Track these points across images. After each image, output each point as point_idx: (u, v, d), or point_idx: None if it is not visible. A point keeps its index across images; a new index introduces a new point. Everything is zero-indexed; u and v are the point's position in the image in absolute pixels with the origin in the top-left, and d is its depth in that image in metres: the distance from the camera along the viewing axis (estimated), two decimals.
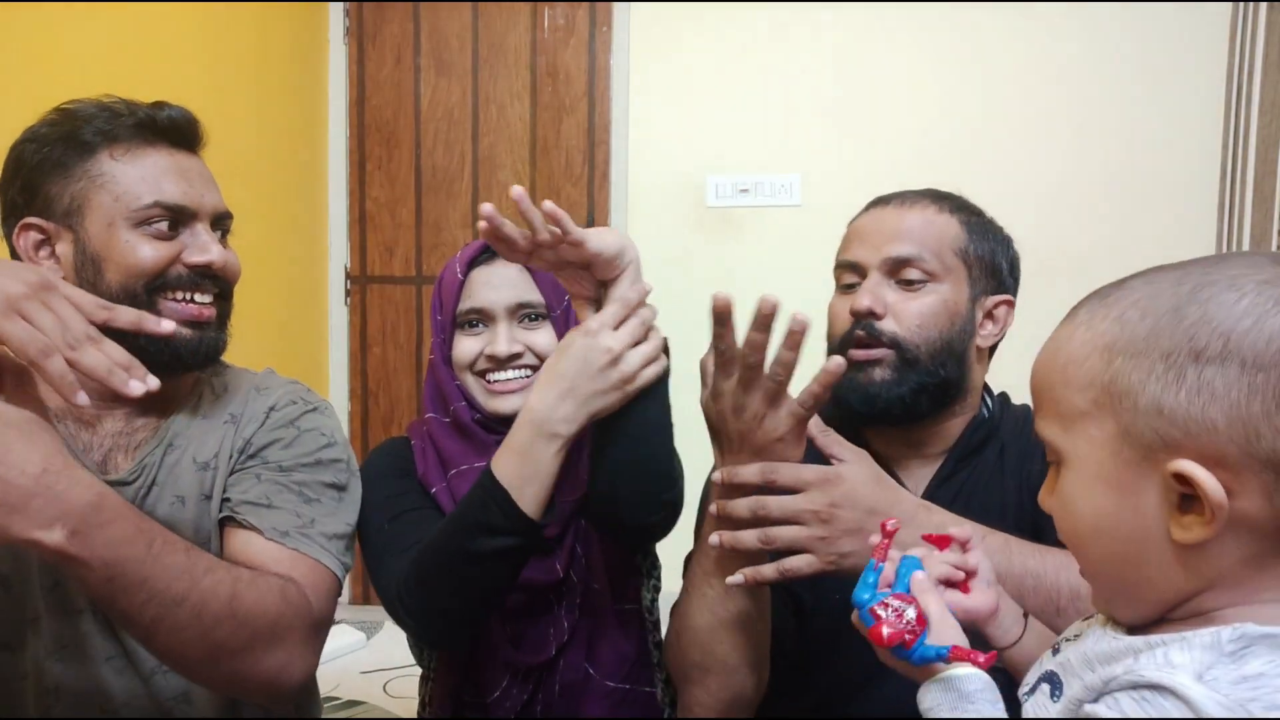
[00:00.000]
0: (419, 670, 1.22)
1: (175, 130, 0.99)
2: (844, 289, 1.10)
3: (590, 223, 3.01)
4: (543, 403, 0.97)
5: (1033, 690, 0.63)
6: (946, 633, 0.68)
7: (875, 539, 0.76)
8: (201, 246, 0.99)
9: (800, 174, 2.87)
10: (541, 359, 1.12)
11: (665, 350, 1.01)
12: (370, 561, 1.07)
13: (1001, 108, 2.77)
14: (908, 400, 1.03)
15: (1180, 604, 0.56)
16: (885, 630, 0.68)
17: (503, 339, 1.11)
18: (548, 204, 0.92)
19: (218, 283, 1.01)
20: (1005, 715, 0.64)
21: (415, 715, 1.23)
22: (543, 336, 1.13)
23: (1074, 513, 0.59)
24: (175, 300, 0.98)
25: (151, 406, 1.02)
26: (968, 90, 2.78)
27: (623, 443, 1.00)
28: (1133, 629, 0.60)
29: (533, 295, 1.12)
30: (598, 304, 1.01)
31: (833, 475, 0.91)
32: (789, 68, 2.87)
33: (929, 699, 0.65)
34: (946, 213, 1.09)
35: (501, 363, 1.11)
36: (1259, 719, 0.49)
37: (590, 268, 0.98)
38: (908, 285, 1.05)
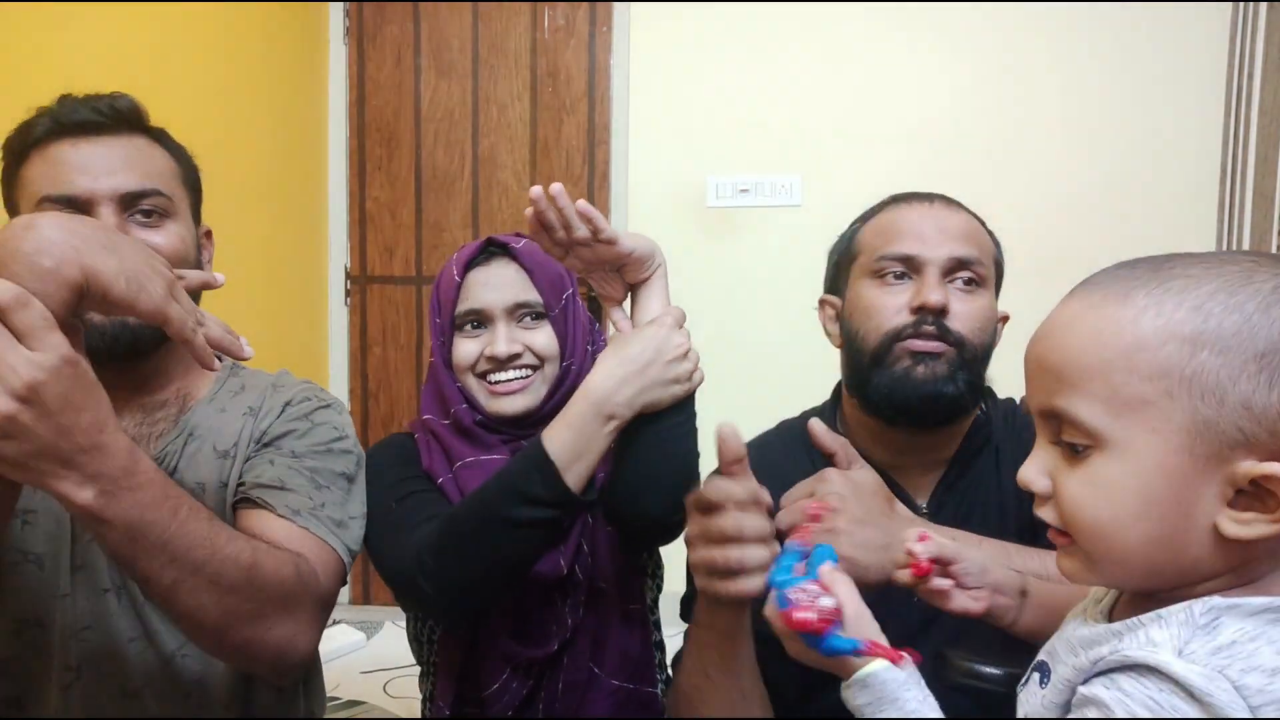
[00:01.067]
0: (419, 670, 1.22)
1: (79, 121, 0.98)
2: (887, 280, 1.05)
3: None
4: (606, 383, 0.99)
5: (1026, 681, 0.66)
6: (864, 627, 0.68)
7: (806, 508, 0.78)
8: None
9: (800, 174, 2.87)
10: (541, 359, 1.13)
11: None
12: (377, 544, 1.06)
13: (1001, 108, 2.77)
14: (965, 398, 1.01)
15: (1192, 584, 0.57)
16: (796, 614, 0.67)
17: (502, 339, 1.11)
18: (582, 202, 0.94)
19: None
20: (934, 711, 0.65)
21: (415, 715, 1.23)
22: (542, 336, 1.13)
23: (1115, 499, 0.57)
24: None
25: (171, 400, 1.05)
26: (967, 91, 2.79)
27: (660, 436, 1.01)
28: (1114, 607, 0.63)
29: (530, 295, 1.13)
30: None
31: (839, 474, 0.94)
32: (789, 68, 2.87)
33: (859, 698, 0.67)
34: (977, 221, 1.09)
35: (501, 363, 1.11)
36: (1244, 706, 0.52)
37: (622, 270, 1.01)
38: (964, 285, 1.03)
